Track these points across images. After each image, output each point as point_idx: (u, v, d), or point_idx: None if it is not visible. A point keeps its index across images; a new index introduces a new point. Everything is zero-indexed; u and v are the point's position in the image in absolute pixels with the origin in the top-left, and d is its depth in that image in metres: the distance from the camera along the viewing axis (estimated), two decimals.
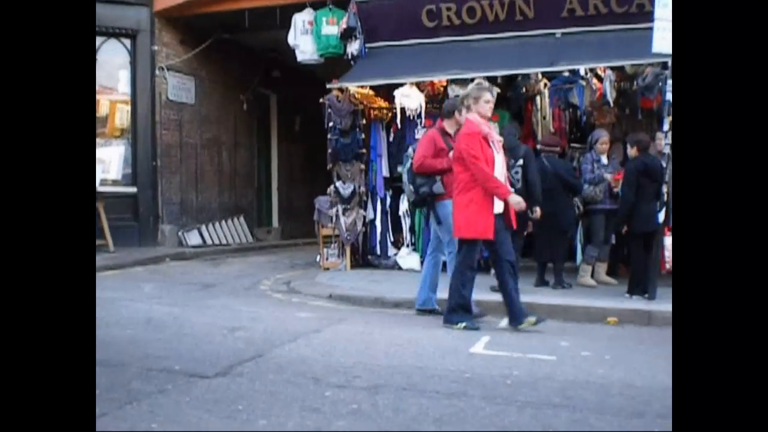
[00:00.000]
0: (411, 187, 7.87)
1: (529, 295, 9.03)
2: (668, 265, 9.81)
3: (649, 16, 9.01)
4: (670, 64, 8.84)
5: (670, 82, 8.77)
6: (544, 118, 11.87)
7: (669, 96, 8.78)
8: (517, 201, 7.19)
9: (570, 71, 10.84)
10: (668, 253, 9.66)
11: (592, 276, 10.17)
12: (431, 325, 7.73)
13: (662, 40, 8.65)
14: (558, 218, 9.78)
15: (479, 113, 7.17)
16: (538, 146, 10.50)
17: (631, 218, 9.04)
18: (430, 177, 7.75)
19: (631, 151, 9.28)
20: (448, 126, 8.04)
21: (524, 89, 11.35)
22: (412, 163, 7.85)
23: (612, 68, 10.54)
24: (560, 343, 6.88)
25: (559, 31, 11.57)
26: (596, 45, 11.04)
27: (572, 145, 12.18)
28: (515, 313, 7.38)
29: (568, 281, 9.86)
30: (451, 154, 7.61)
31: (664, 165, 8.76)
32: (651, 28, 8.72)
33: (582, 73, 10.81)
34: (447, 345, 6.61)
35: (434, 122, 11.35)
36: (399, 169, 11.79)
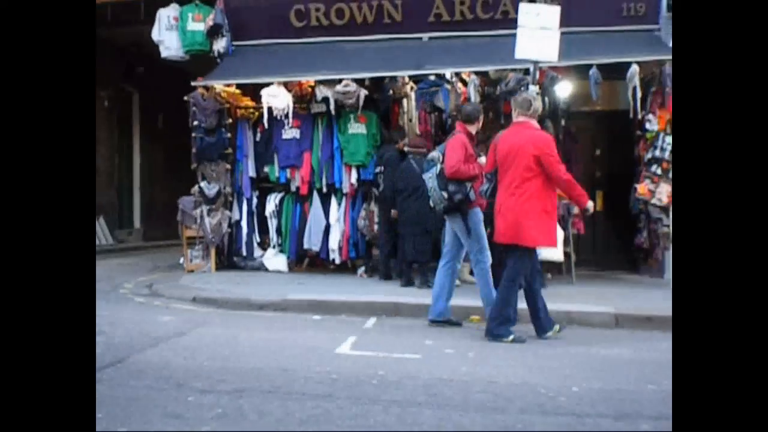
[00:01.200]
0: (444, 193, 7.38)
1: (396, 295, 9.13)
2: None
3: (512, 23, 9.28)
4: (532, 69, 9.13)
5: (532, 87, 9.06)
6: (411, 120, 12.01)
7: None
8: (592, 206, 7.17)
9: (436, 75, 11.01)
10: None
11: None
12: (297, 326, 7.67)
13: (524, 46, 8.93)
14: (424, 218, 9.90)
15: (534, 119, 7.17)
16: (406, 148, 10.61)
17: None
18: (462, 183, 7.39)
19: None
20: (474, 131, 7.84)
21: (391, 91, 11.45)
22: (442, 169, 7.41)
23: (476, 73, 10.78)
24: (425, 342, 6.96)
25: (426, 35, 11.75)
26: (462, 50, 11.27)
27: (438, 147, 12.38)
28: (540, 325, 7.33)
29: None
30: (481, 159, 7.59)
31: None
32: (514, 35, 8.99)
33: (448, 77, 11.00)
34: (313, 346, 6.56)
35: (302, 123, 11.33)
36: (266, 169, 11.66)
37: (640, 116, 10.65)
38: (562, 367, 6.05)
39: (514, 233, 6.93)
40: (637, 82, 10.20)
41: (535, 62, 9.07)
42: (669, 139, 10.31)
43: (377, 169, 10.92)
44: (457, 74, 11.21)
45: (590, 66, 10.32)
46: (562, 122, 11.85)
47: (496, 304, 7.11)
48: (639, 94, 10.32)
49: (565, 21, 9.23)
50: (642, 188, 10.42)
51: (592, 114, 12.62)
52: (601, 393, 5.25)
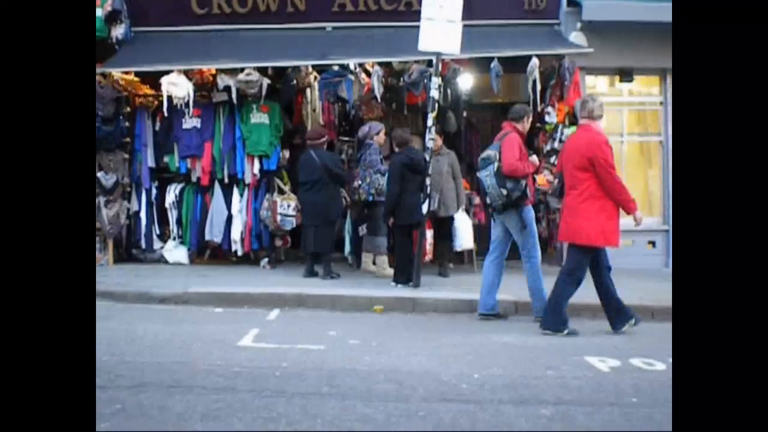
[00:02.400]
0: (502, 190, 7.51)
1: (299, 286, 9.07)
2: (428, 256, 10.24)
3: (416, 15, 9.33)
4: (434, 61, 9.21)
5: (435, 79, 9.14)
6: (314, 110, 11.94)
7: (434, 93, 9.15)
8: (640, 216, 7.19)
9: (340, 65, 10.98)
10: (429, 244, 10.09)
11: (362, 265, 10.42)
12: (199, 319, 7.54)
13: (427, 38, 9.00)
14: (326, 209, 9.88)
15: (599, 122, 7.36)
16: (306, 139, 10.56)
17: (396, 210, 9.32)
18: (519, 181, 7.54)
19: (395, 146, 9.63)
20: (522, 128, 7.94)
21: (295, 81, 11.34)
22: (499, 167, 7.52)
23: (380, 64, 10.79)
24: (329, 333, 6.95)
25: (329, 25, 11.68)
26: (365, 40, 11.27)
27: (341, 138, 12.38)
28: (615, 319, 7.40)
29: (337, 272, 9.99)
30: (533, 158, 7.84)
31: (427, 159, 9.11)
32: (418, 27, 9.04)
33: (351, 67, 10.98)
34: (215, 340, 6.46)
35: (203, 112, 11.10)
36: (166, 159, 11.39)
37: (539, 109, 10.89)
38: (464, 355, 6.14)
39: (570, 232, 7.19)
40: (537, 75, 10.43)
41: (438, 54, 9.15)
42: (567, 131, 10.58)
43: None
44: (361, 65, 11.20)
45: (492, 59, 10.48)
46: (464, 114, 12.00)
47: (553, 297, 7.25)
48: (539, 88, 10.55)
49: (467, 14, 9.35)
50: (541, 179, 10.66)
51: (493, 106, 12.83)
52: (502, 379, 5.35)
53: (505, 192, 7.50)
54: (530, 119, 8.14)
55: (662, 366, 6.00)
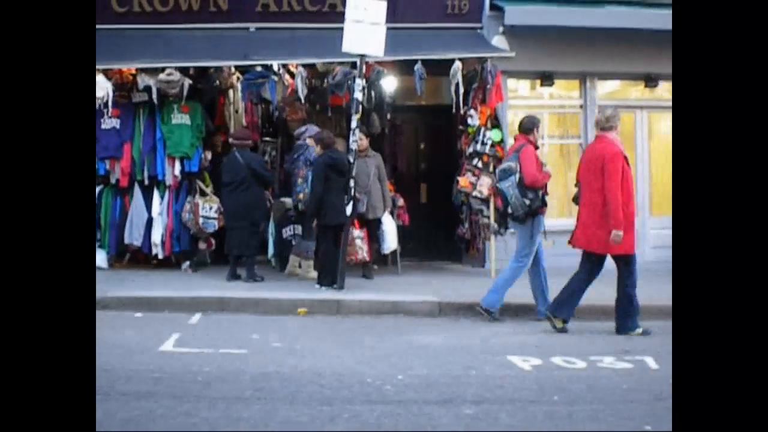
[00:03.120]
0: (525, 200, 7.90)
1: (221, 289, 8.95)
2: (360, 255, 10.23)
3: (340, 17, 9.32)
4: (358, 63, 9.21)
5: (358, 81, 9.14)
6: (237, 111, 11.80)
7: (357, 94, 9.15)
8: (620, 237, 7.24)
9: (263, 66, 10.87)
10: (359, 243, 10.08)
11: (288, 268, 10.34)
12: (118, 325, 7.36)
13: (351, 40, 8.99)
14: (251, 211, 9.78)
15: (614, 132, 7.58)
16: (230, 140, 10.42)
17: (321, 211, 9.28)
18: (537, 191, 7.96)
19: (317, 148, 9.59)
20: (534, 139, 8.26)
21: (217, 82, 11.19)
22: (521, 178, 7.88)
23: (304, 65, 10.73)
24: (252, 336, 6.88)
25: (253, 26, 11.56)
26: (289, 41, 11.19)
27: (264, 139, 12.28)
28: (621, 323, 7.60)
29: (261, 275, 9.89)
30: (547, 168, 8.17)
31: (351, 160, 9.10)
32: (342, 28, 9.03)
33: (275, 68, 10.89)
34: (135, 345, 6.32)
35: (123, 112, 10.83)
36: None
37: (462, 111, 10.99)
38: (388, 356, 6.15)
39: (586, 240, 7.54)
40: (459, 78, 10.52)
41: (362, 56, 9.15)
42: (489, 133, 10.70)
43: None
44: (285, 66, 11.13)
45: (415, 61, 10.54)
46: (388, 116, 12.04)
47: (571, 297, 7.66)
48: (461, 90, 10.65)
49: (391, 17, 9.38)
50: (464, 181, 10.76)
51: (416, 108, 12.91)
52: (426, 380, 5.38)
53: (527, 202, 7.91)
54: (539, 129, 8.48)
55: (582, 364, 6.13)
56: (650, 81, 12.52)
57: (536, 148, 8.32)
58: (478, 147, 10.76)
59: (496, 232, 10.76)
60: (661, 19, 11.78)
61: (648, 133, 13.00)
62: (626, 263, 7.47)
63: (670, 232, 12.85)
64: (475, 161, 10.76)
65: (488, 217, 10.70)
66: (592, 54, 11.97)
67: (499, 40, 11.56)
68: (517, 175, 7.90)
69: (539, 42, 11.56)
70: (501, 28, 11.57)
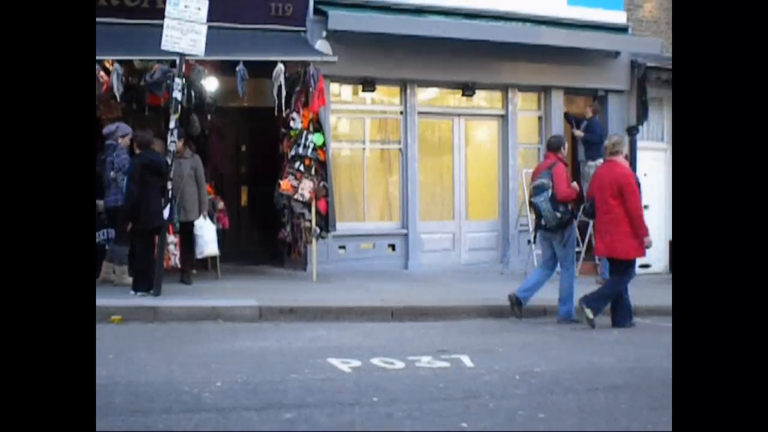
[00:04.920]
0: (557, 213, 8.70)
1: None
2: (172, 261, 9.96)
3: (160, 14, 9.02)
4: (178, 62, 8.97)
5: (177, 80, 8.90)
6: None
7: (176, 94, 8.90)
8: (649, 241, 8.63)
9: None
10: (172, 249, 9.82)
11: (101, 274, 9.87)
12: None
13: (170, 38, 8.74)
14: None
15: (620, 156, 8.86)
16: None
17: (137, 214, 8.94)
18: (567, 204, 8.79)
19: (136, 148, 9.27)
20: (563, 155, 9.14)
21: None
22: (553, 194, 8.68)
23: (120, 62, 10.32)
24: None
25: None
26: (105, 37, 10.66)
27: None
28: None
29: None
30: (574, 183, 9.03)
31: (170, 162, 8.85)
32: (162, 25, 8.75)
33: None
34: None
35: None
36: None
37: (284, 114, 10.94)
38: (206, 363, 6.01)
39: (609, 249, 8.68)
40: (282, 80, 10.46)
41: (182, 55, 8.92)
42: (311, 137, 10.72)
43: None
44: (100, 62, 10.65)
45: (237, 62, 10.39)
46: (209, 117, 11.79)
47: (600, 297, 8.67)
48: (284, 93, 10.59)
49: (213, 16, 9.20)
50: (285, 184, 10.71)
51: (238, 110, 12.73)
52: (246, 386, 5.30)
53: (559, 215, 8.73)
54: (566, 147, 9.43)
55: (401, 364, 6.25)
56: (468, 89, 13.02)
57: (565, 165, 9.17)
58: (300, 150, 10.76)
59: (317, 236, 10.81)
60: (480, 30, 12.32)
61: (465, 140, 13.50)
62: (627, 266, 8.73)
63: (485, 235, 13.51)
64: (297, 164, 10.74)
65: (310, 221, 10.72)
66: (413, 62, 12.29)
67: (322, 45, 11.62)
68: (550, 191, 8.73)
69: (362, 48, 11.73)
70: (324, 33, 11.64)
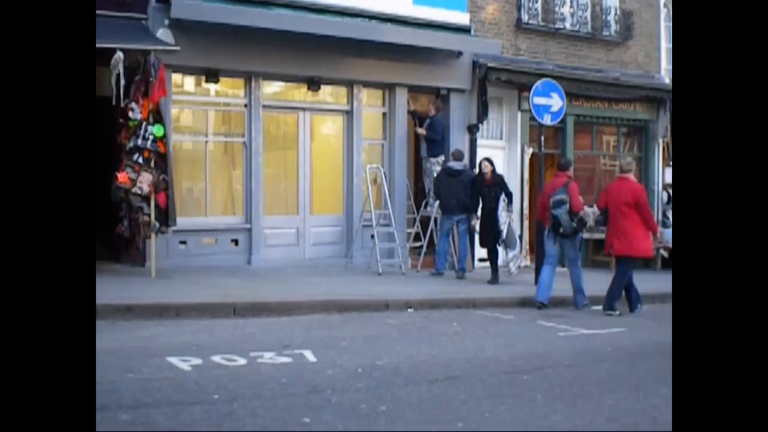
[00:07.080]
0: (573, 223, 10.72)
1: None
2: None
3: None
4: None
5: None
6: None
7: None
8: (661, 232, 11.60)
9: None
10: None
11: None
12: None
13: None
14: None
15: (631, 173, 11.07)
16: None
17: None
18: (578, 215, 10.76)
19: None
20: (571, 174, 11.56)
21: None
22: (570, 208, 10.68)
23: None
24: None
25: None
26: None
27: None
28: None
29: None
30: (579, 197, 10.98)
31: None
32: None
33: None
34: None
35: None
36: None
37: (123, 104, 10.52)
38: None
39: (628, 248, 10.46)
40: (121, 69, 10.07)
41: None
42: (151, 128, 10.37)
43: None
44: None
45: None
46: None
47: (613, 289, 10.60)
48: (122, 82, 10.20)
49: None
50: (123, 177, 10.31)
51: None
52: None
53: (574, 224, 10.77)
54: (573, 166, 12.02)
55: (243, 361, 6.18)
56: (313, 84, 13.00)
57: (576, 182, 11.39)
58: (140, 142, 10.38)
59: (157, 231, 10.50)
60: (326, 25, 12.33)
61: (310, 135, 13.49)
62: (631, 263, 10.65)
63: (328, 229, 13.56)
64: (135, 156, 10.37)
65: (148, 215, 10.39)
66: (259, 54, 12.14)
67: (164, 33, 11.28)
68: (567, 206, 10.70)
69: (206, 38, 11.48)
70: (167, 21, 11.29)
